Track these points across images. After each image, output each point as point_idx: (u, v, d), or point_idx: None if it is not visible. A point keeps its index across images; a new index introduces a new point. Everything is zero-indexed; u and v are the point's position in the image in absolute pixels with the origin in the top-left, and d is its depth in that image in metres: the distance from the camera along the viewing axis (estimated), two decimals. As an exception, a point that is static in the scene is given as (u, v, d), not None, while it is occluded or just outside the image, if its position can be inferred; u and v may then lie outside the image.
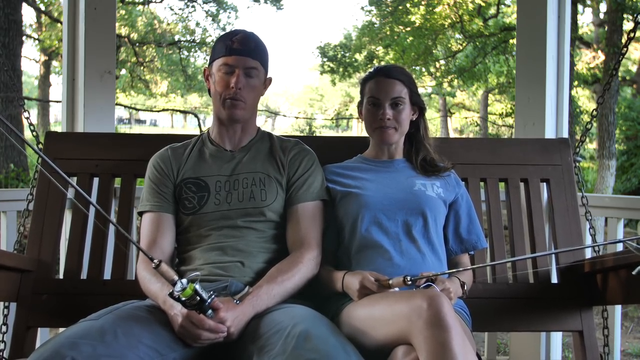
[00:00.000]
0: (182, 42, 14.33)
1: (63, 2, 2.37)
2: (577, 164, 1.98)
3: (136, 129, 27.98)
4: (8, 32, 7.38)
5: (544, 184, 1.94)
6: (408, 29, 11.71)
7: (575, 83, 10.48)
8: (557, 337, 2.23)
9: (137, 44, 13.79)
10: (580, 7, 10.25)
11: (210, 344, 1.32)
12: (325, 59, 14.77)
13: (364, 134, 1.76)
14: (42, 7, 12.48)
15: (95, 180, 1.90)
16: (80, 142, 1.96)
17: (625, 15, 8.21)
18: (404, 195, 1.61)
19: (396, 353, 1.24)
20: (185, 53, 14.66)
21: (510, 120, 14.96)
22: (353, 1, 35.28)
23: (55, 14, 12.33)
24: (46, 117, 14.92)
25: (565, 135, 2.22)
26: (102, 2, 2.24)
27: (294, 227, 1.59)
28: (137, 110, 20.95)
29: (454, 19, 11.30)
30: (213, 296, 1.27)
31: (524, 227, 1.90)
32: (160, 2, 14.48)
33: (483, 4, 11.09)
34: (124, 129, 24.62)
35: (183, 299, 1.23)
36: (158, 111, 23.22)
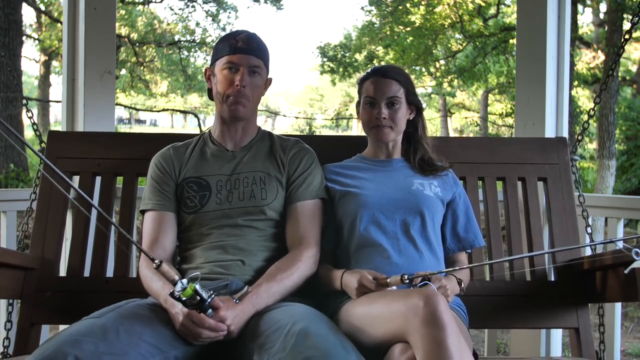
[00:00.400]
0: (182, 42, 14.31)
1: (63, 2, 2.36)
2: (575, 163, 1.99)
3: (136, 129, 27.84)
4: (8, 32, 7.38)
5: (542, 182, 1.95)
6: (408, 29, 11.71)
7: (575, 83, 10.47)
8: (557, 338, 2.22)
9: (137, 44, 13.77)
10: (580, 7, 10.24)
11: (211, 342, 1.33)
12: (325, 59, 14.75)
13: (364, 133, 1.78)
14: (42, 7, 12.46)
15: (98, 179, 1.91)
16: (82, 141, 1.97)
17: (625, 15, 8.21)
18: (402, 195, 1.63)
19: (393, 351, 1.25)
20: (185, 53, 14.65)
21: (510, 120, 14.94)
22: (353, 1, 35.26)
23: (55, 14, 12.32)
24: (46, 117, 14.92)
25: (565, 135, 2.22)
26: (102, 2, 2.24)
27: (293, 225, 1.60)
28: (137, 110, 20.95)
29: (454, 19, 11.30)
30: (213, 296, 1.28)
31: (522, 226, 1.91)
32: (160, 2, 14.48)
33: (483, 4, 11.09)
34: (124, 129, 24.55)
35: (183, 298, 1.24)
36: (158, 111, 23.20)
